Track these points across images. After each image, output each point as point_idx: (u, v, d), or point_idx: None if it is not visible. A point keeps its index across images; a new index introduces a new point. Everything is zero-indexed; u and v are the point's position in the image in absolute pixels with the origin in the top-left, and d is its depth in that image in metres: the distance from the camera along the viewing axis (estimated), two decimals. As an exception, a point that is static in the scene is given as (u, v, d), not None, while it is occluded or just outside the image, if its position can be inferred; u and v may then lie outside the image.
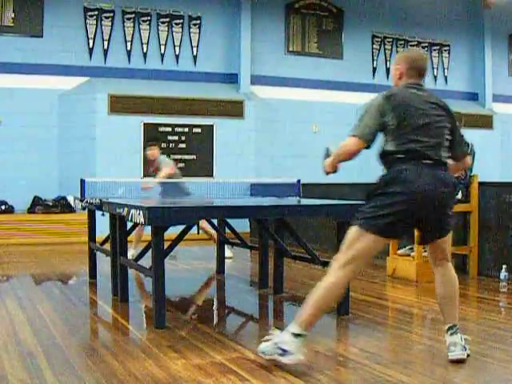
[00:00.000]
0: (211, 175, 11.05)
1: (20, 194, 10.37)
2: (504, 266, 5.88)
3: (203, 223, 6.99)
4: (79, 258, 7.56)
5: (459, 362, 3.32)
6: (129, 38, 11.17)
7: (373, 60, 13.09)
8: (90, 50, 10.95)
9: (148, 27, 11.29)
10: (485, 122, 13.55)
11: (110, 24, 11.04)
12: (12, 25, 10.49)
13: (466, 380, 3.16)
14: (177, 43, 11.48)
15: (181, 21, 11.49)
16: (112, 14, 11.05)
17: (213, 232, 7.16)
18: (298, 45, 12.40)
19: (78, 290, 5.95)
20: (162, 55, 11.40)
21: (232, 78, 11.76)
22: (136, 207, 4.18)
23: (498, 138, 13.77)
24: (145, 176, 7.77)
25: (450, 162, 3.34)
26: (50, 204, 10.36)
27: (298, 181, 6.33)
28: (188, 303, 5.49)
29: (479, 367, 3.35)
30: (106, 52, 11.03)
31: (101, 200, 5.41)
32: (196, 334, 4.04)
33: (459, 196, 6.05)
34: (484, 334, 4.07)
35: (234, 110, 11.31)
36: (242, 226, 8.69)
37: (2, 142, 10.37)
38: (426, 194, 3.13)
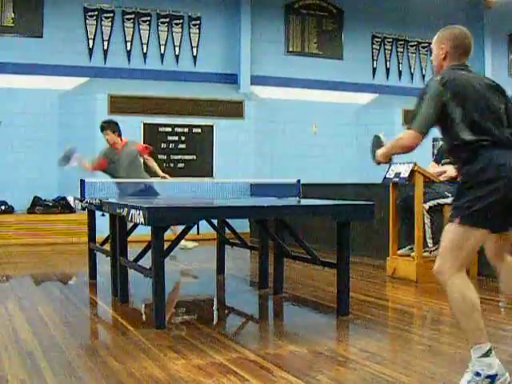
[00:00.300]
0: (211, 175, 11.05)
1: (20, 194, 10.37)
2: (504, 266, 5.86)
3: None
4: (79, 258, 7.56)
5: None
6: (129, 38, 11.17)
7: (373, 60, 13.09)
8: (90, 51, 10.95)
9: (148, 27, 11.30)
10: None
11: (109, 24, 11.04)
12: (12, 25, 10.49)
13: (466, 380, 3.16)
14: (177, 43, 11.48)
15: (181, 21, 11.49)
16: (112, 15, 11.05)
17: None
18: (298, 45, 12.40)
19: (78, 291, 5.96)
20: (162, 55, 11.40)
21: (232, 79, 11.77)
22: (136, 207, 4.18)
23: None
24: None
25: None
26: (50, 204, 10.36)
27: (298, 181, 6.32)
28: (188, 303, 5.48)
29: (479, 367, 3.34)
30: (105, 52, 11.03)
31: (101, 200, 5.41)
32: (196, 334, 4.04)
33: None
34: (484, 334, 4.06)
35: (233, 110, 11.31)
36: (241, 226, 8.70)
37: (2, 142, 10.38)
38: None
